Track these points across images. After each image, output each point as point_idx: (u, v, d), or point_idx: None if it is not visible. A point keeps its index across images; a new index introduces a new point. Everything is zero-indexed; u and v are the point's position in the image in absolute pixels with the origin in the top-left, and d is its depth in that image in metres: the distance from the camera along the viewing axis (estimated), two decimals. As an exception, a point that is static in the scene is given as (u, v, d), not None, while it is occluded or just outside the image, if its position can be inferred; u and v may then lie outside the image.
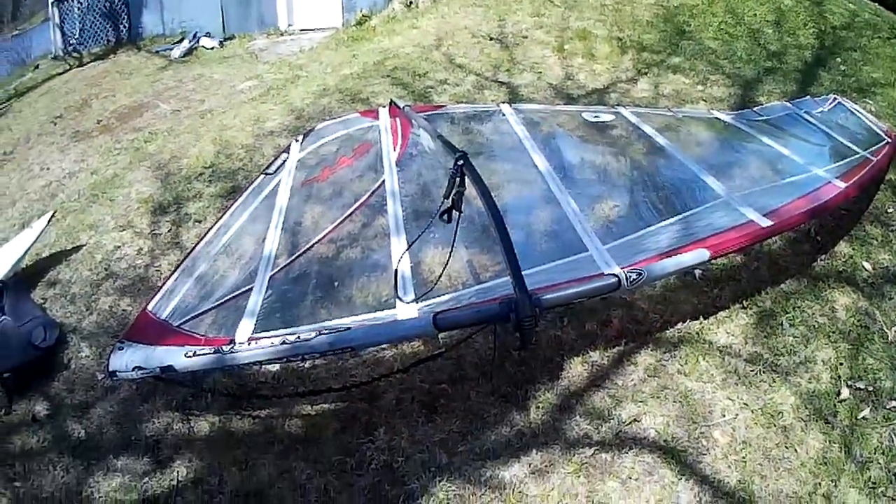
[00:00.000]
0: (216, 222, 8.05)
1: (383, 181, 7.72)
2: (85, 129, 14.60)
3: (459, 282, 7.23)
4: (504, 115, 8.77)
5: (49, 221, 9.88)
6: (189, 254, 7.75)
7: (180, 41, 19.70)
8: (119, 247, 9.73)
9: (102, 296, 8.83)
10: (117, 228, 10.16)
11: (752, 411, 6.39)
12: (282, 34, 19.19)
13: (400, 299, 6.01)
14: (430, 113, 8.84)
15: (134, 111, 15.00)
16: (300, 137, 8.91)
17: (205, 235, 7.89)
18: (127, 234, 9.97)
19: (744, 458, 6.03)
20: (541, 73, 13.18)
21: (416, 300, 6.01)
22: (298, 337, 5.63)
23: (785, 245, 8.25)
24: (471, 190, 5.81)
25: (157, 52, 19.52)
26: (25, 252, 9.47)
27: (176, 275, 7.45)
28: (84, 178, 12.14)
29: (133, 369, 6.03)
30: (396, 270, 6.16)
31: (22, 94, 19.30)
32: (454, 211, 5.79)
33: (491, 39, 14.76)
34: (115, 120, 14.73)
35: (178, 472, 6.53)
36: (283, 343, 5.63)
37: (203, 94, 15.14)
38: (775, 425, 6.27)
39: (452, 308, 5.76)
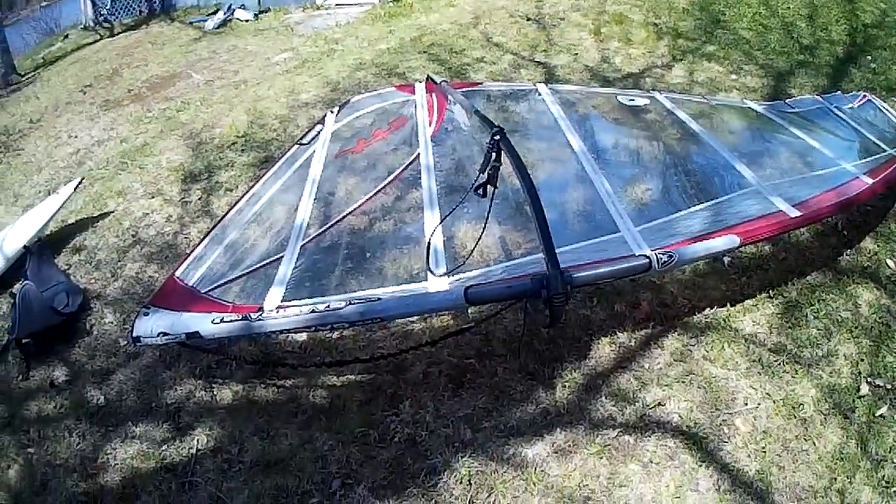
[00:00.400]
0: (247, 191, 8.00)
1: (418, 155, 7.68)
2: (115, 98, 14.63)
3: (491, 257, 7.32)
4: (540, 94, 8.69)
5: (76, 188, 9.86)
6: (219, 222, 7.74)
7: (214, 13, 19.70)
8: (148, 214, 9.78)
9: (129, 262, 8.87)
10: (146, 196, 10.22)
11: (774, 402, 6.36)
12: (318, 8, 19.08)
13: (431, 272, 6.01)
14: (466, 90, 8.77)
15: (166, 81, 15.03)
16: (335, 109, 8.78)
17: (236, 204, 7.86)
18: (156, 202, 10.02)
19: (763, 448, 6.00)
20: (577, 55, 13.22)
21: (448, 274, 6.01)
22: (328, 306, 5.61)
23: (812, 237, 8.21)
24: (505, 168, 5.80)
25: (191, 23, 19.51)
26: (51, 218, 9.49)
27: (205, 242, 7.43)
28: (113, 147, 12.20)
29: (158, 335, 6.02)
30: (429, 243, 6.11)
31: (51, 63, 19.31)
32: (489, 186, 5.78)
33: (528, 20, 14.80)
34: (147, 89, 14.76)
35: (197, 439, 6.57)
36: (313, 312, 5.60)
37: (237, 65, 15.20)
38: (795, 417, 6.24)
39: (484, 282, 5.73)
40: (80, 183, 10.01)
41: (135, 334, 6.16)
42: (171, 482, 6.24)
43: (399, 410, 6.51)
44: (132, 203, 10.10)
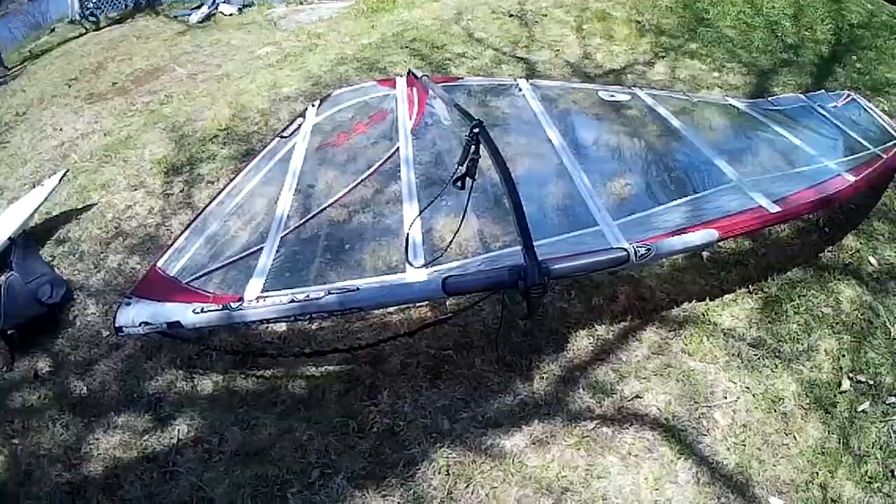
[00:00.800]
0: (229, 183, 8.05)
1: (398, 148, 7.67)
2: (100, 92, 14.51)
3: (469, 250, 7.37)
4: (521, 89, 8.77)
5: (60, 180, 9.87)
6: (200, 213, 7.74)
7: (199, 7, 19.34)
8: (130, 206, 9.76)
9: (111, 254, 8.87)
10: (129, 188, 10.20)
11: (754, 395, 6.41)
12: (301, 3, 18.80)
13: (410, 263, 6.06)
14: (447, 84, 8.87)
15: (150, 74, 14.96)
16: (316, 102, 8.84)
17: (217, 196, 7.88)
18: (139, 194, 10.01)
19: (743, 441, 6.05)
20: (559, 51, 13.27)
21: (426, 265, 6.05)
22: (308, 296, 5.65)
23: (793, 234, 8.27)
24: (485, 161, 5.82)
25: (176, 16, 19.29)
26: (35, 210, 9.48)
27: (187, 233, 7.45)
28: (97, 140, 12.12)
29: (140, 324, 6.05)
30: (408, 235, 6.18)
31: (37, 56, 19.16)
32: (468, 178, 5.83)
33: (511, 16, 14.84)
34: (131, 83, 14.67)
35: (178, 429, 6.57)
36: (293, 301, 5.65)
37: (220, 59, 15.12)
38: (775, 411, 6.29)
39: (462, 273, 5.77)
40: (64, 175, 10.02)
41: (117, 324, 6.19)
42: (153, 472, 6.24)
43: (377, 401, 6.53)
44: (115, 195, 10.09)
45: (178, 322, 5.92)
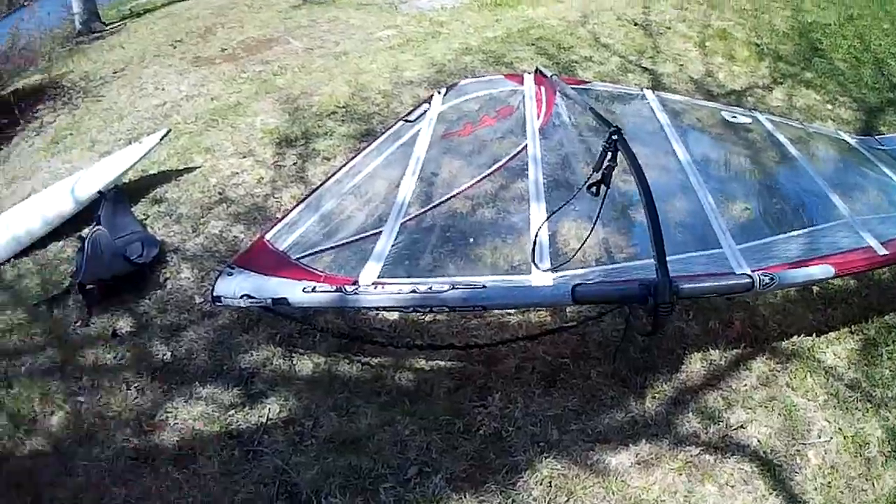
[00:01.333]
0: (348, 162, 7.98)
1: (525, 146, 7.61)
2: (207, 56, 14.59)
3: (593, 258, 7.17)
4: (647, 99, 8.68)
5: (161, 139, 9.78)
6: (316, 189, 7.65)
7: None
8: (237, 173, 9.73)
9: (212, 220, 8.81)
10: (237, 155, 10.18)
11: (844, 437, 6.18)
12: None
13: (536, 266, 5.98)
14: (575, 87, 8.63)
15: (262, 44, 14.97)
16: (443, 90, 8.83)
17: (335, 173, 7.82)
18: (247, 162, 9.98)
19: (829, 482, 5.84)
20: (682, 65, 13.13)
21: (552, 269, 5.96)
22: (430, 288, 5.59)
23: (894, 277, 8.03)
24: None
25: None
26: (131, 166, 9.46)
27: (300, 208, 7.35)
28: (203, 103, 12.16)
29: (241, 297, 6.03)
30: (536, 237, 6.11)
31: (138, 15, 19.33)
32: (602, 185, 5.78)
33: (635, 25, 14.70)
34: (242, 50, 14.73)
35: (269, 408, 6.45)
36: (413, 292, 5.58)
37: (338, 36, 15.06)
38: (861, 455, 6.06)
39: (592, 282, 5.73)
40: (166, 134, 9.93)
41: (216, 293, 6.18)
42: (235, 449, 6.12)
43: (487, 403, 6.37)
44: (221, 161, 10.05)
45: (285, 299, 5.84)
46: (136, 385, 6.79)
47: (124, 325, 7.47)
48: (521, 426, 6.14)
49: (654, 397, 6.44)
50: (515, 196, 8.08)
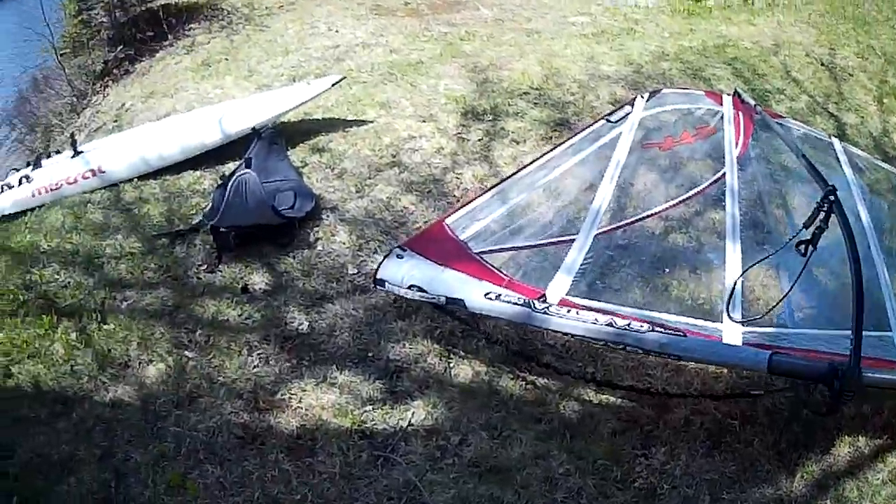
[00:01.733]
0: (543, 155, 7.60)
1: (723, 175, 7.27)
2: (388, 7, 14.45)
3: (783, 318, 6.74)
4: (835, 149, 8.44)
5: (333, 85, 9.33)
6: (507, 179, 7.36)
7: None
8: (414, 137, 9.30)
9: (380, 183, 8.40)
10: (416, 117, 9.74)
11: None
12: None
13: (729, 315, 5.73)
14: (772, 120, 8.27)
15: (449, 5, 14.81)
16: (646, 95, 8.34)
17: (528, 164, 7.51)
18: (427, 127, 9.53)
19: None
20: (863, 118, 12.41)
21: (743, 322, 5.77)
22: (629, 324, 5.27)
23: None
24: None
25: None
26: (294, 107, 9.02)
27: (487, 196, 7.08)
28: (381, 54, 11.88)
29: (409, 286, 5.83)
30: (734, 285, 5.88)
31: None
32: (809, 246, 5.51)
33: (822, 65, 14.05)
34: (427, 8, 14.58)
35: (413, 413, 5.99)
36: (610, 325, 5.27)
37: (530, 12, 14.73)
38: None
39: (785, 350, 5.42)
40: (339, 81, 9.48)
41: (380, 275, 6.00)
42: (364, 451, 5.68)
43: (650, 454, 5.92)
44: (397, 119, 9.62)
45: (462, 301, 5.63)
46: (259, 352, 6.35)
47: (258, 281, 7.06)
48: (678, 485, 5.79)
49: (802, 477, 6.07)
50: (709, 227, 7.83)
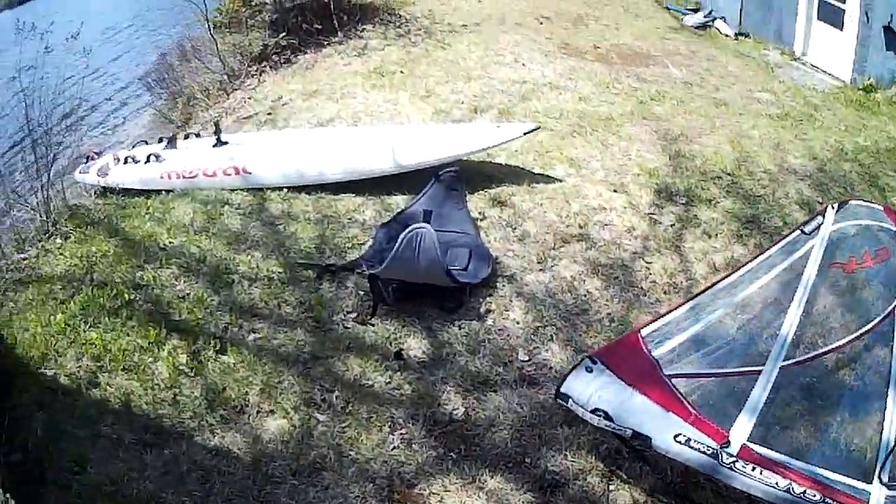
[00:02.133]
0: (741, 267, 7.30)
1: (893, 311, 6.97)
2: (577, 47, 14.49)
3: None
4: None
5: (526, 133, 9.17)
6: (704, 291, 7.02)
7: (696, 10, 19.83)
8: (605, 209, 9.02)
9: (565, 258, 8.11)
10: (607, 184, 9.48)
11: None
12: (794, 58, 18.42)
13: (879, 477, 5.62)
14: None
15: (638, 57, 14.77)
16: (835, 206, 7.84)
17: (724, 277, 7.20)
18: (619, 200, 9.25)
19: None
20: None
21: (889, 486, 5.62)
22: (805, 492, 5.33)
23: None
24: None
25: (669, 8, 19.98)
26: (478, 150, 8.86)
27: (683, 310, 6.74)
28: (570, 100, 11.78)
29: (593, 410, 5.57)
30: (892, 447, 5.79)
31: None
32: None
33: None
34: (615, 55, 14.59)
35: None
36: (787, 492, 5.24)
37: (717, 80, 14.67)
38: None
39: None
40: (532, 130, 9.27)
41: (564, 390, 5.71)
42: None
43: None
44: (587, 184, 9.35)
45: (649, 439, 5.43)
46: (403, 432, 6.07)
47: (415, 347, 6.73)
48: None
49: None
50: (873, 366, 7.17)
